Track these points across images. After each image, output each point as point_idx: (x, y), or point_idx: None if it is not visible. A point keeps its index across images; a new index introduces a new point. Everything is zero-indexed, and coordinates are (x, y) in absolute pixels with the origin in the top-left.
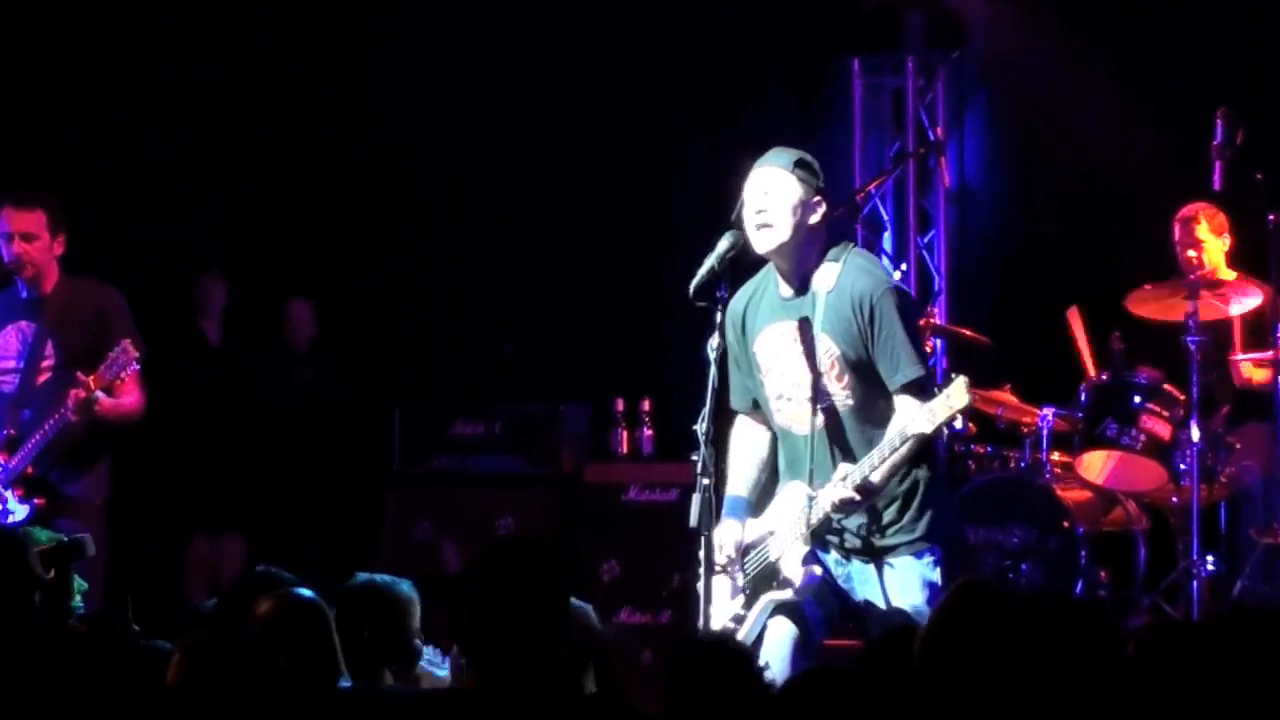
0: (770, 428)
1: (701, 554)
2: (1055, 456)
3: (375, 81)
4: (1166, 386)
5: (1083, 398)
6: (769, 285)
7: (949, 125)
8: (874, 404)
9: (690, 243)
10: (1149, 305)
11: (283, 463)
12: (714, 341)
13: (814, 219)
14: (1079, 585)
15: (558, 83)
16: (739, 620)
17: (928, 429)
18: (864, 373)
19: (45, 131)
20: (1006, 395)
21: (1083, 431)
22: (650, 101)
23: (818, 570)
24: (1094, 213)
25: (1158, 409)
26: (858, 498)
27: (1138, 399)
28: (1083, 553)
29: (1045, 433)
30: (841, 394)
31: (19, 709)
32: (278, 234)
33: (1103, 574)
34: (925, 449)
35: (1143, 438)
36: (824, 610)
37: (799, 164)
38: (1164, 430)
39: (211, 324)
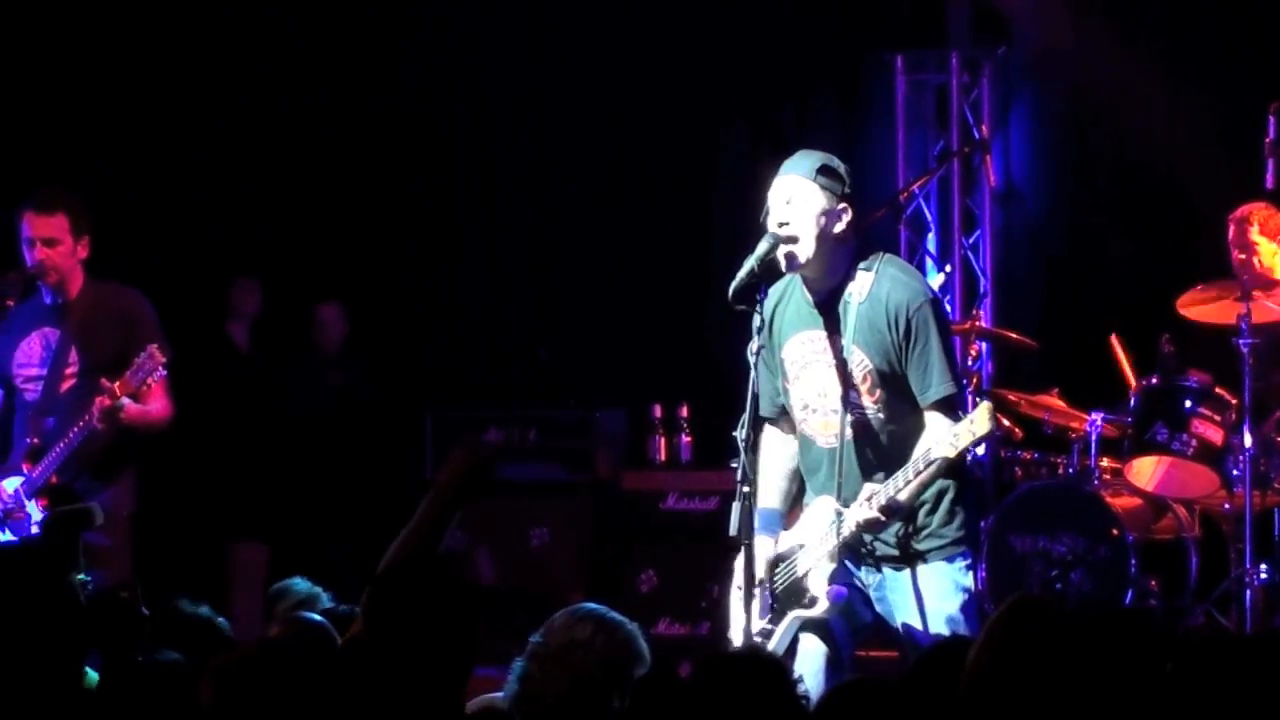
0: (794, 434)
1: (741, 564)
2: (1104, 462)
3: (409, 83)
4: (1218, 390)
5: (1132, 402)
6: (795, 291)
7: (994, 123)
8: (903, 417)
9: (730, 244)
10: (1200, 308)
11: (313, 469)
12: (754, 345)
13: (839, 228)
14: (1129, 594)
15: (595, 83)
16: (766, 635)
17: (950, 454)
18: (895, 386)
19: (77, 134)
20: (1054, 400)
21: (1132, 437)
22: (690, 101)
23: (844, 589)
24: (1143, 212)
25: (1209, 413)
26: (883, 519)
27: (1189, 403)
28: (1133, 561)
29: (1094, 438)
30: (872, 407)
31: None
32: (308, 238)
33: (1153, 583)
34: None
35: (1194, 443)
36: (853, 625)
37: (822, 170)
38: (1216, 435)
39: (240, 329)
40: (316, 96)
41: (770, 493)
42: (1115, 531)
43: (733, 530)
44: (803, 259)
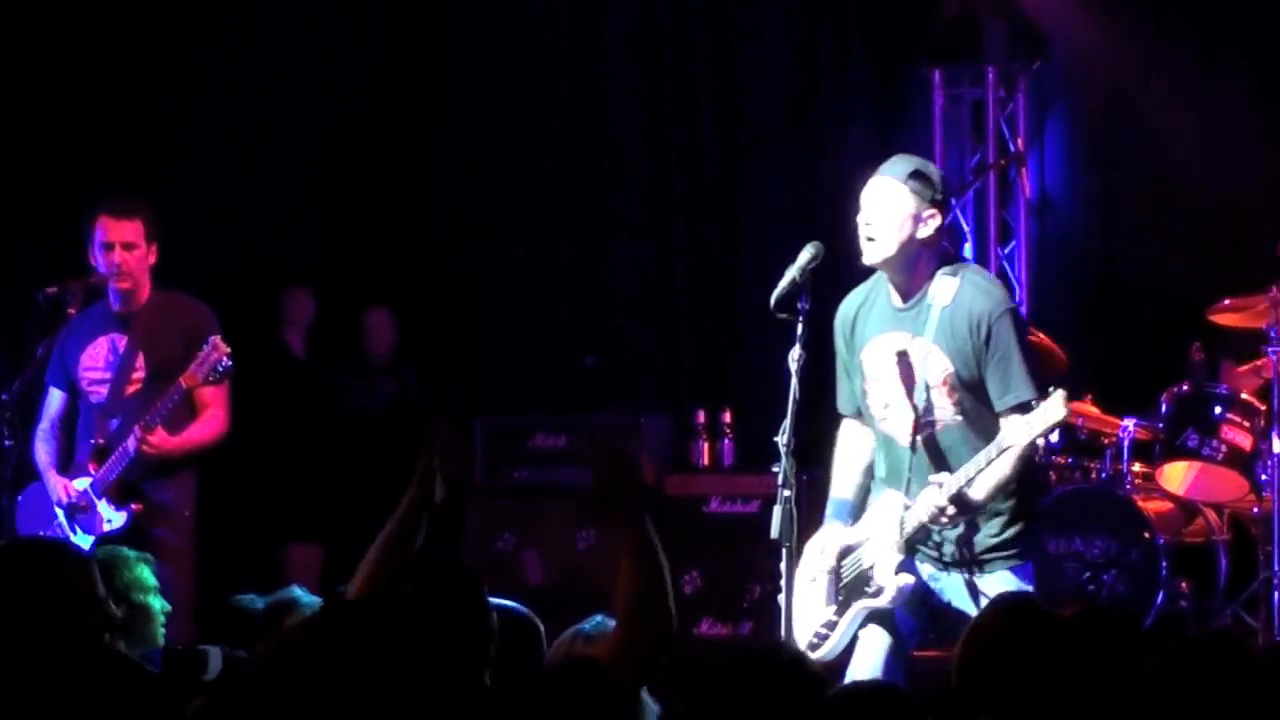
0: (873, 433)
1: (783, 566)
2: (1136, 467)
3: (456, 96)
4: (1246, 396)
5: (1164, 408)
6: (880, 294)
7: (1029, 136)
8: (981, 421)
9: (768, 253)
10: (1231, 315)
11: (365, 473)
12: (795, 353)
13: (924, 233)
14: (1160, 596)
15: (639, 96)
16: (831, 627)
17: (1023, 440)
18: (975, 390)
19: (136, 145)
20: (1087, 406)
21: (1164, 442)
22: (731, 115)
23: (910, 579)
24: (1176, 223)
25: (1238, 419)
26: (952, 509)
27: (1218, 409)
28: (1164, 563)
29: (1126, 443)
30: (950, 409)
31: None
32: (359, 248)
33: (1184, 584)
34: (1027, 468)
35: (1224, 448)
36: (916, 620)
37: (914, 175)
38: (1245, 441)
39: (296, 336)
40: (363, 110)
41: (844, 483)
42: (1147, 534)
43: (774, 533)
44: (879, 257)
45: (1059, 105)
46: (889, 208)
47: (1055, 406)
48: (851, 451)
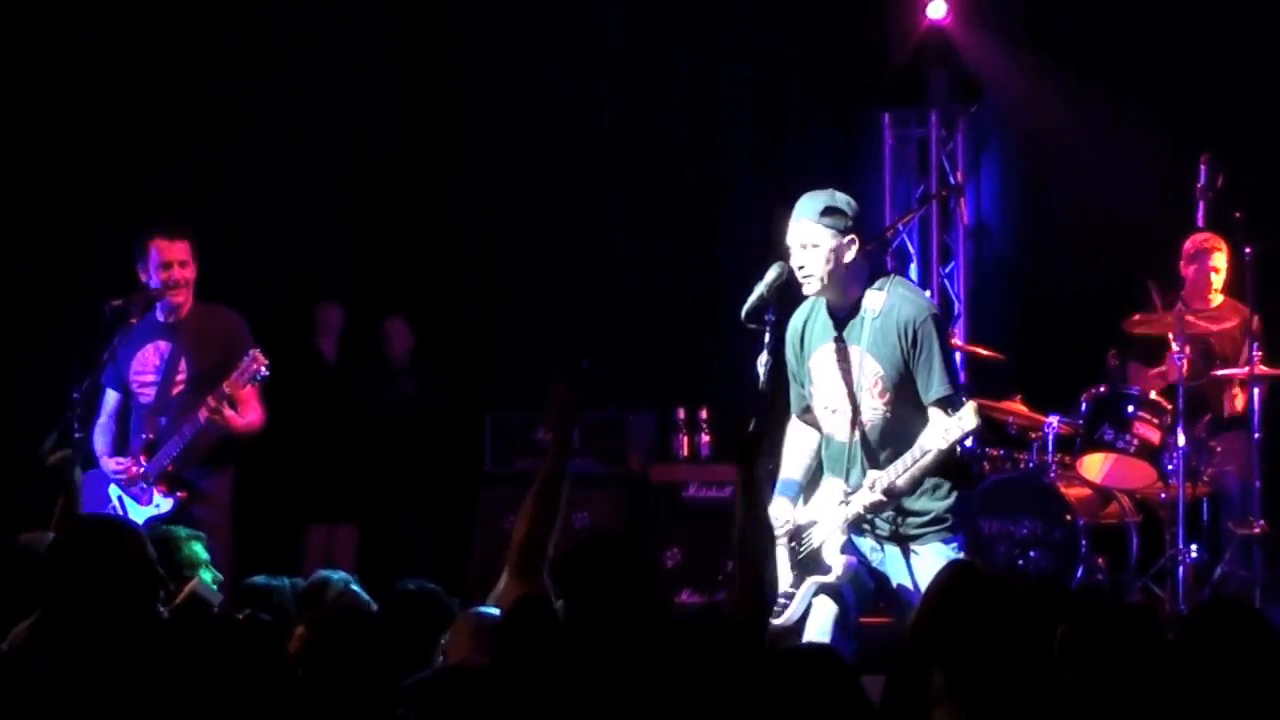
0: (818, 429)
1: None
2: (1059, 458)
3: (466, 115)
4: (1155, 396)
5: (1083, 407)
6: (819, 309)
7: (967, 170)
8: (908, 416)
9: (742, 272)
10: (1142, 326)
11: (391, 464)
12: (763, 358)
13: (848, 257)
14: (1080, 570)
15: (630, 138)
16: (789, 597)
17: (942, 445)
18: (903, 390)
19: (185, 175)
20: (1017, 405)
21: (1083, 436)
22: (710, 151)
23: (853, 559)
24: (1094, 245)
25: (1148, 417)
26: (885, 500)
27: (1131, 408)
28: (1083, 542)
29: (1051, 437)
30: (882, 408)
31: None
32: (383, 263)
33: (1100, 560)
34: (949, 457)
35: (1136, 442)
36: (860, 591)
37: (825, 211)
38: (1154, 436)
39: (329, 343)
40: (383, 146)
41: (792, 467)
42: (1068, 517)
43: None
44: (817, 289)
45: (993, 143)
46: (814, 248)
47: (968, 416)
48: (798, 443)
